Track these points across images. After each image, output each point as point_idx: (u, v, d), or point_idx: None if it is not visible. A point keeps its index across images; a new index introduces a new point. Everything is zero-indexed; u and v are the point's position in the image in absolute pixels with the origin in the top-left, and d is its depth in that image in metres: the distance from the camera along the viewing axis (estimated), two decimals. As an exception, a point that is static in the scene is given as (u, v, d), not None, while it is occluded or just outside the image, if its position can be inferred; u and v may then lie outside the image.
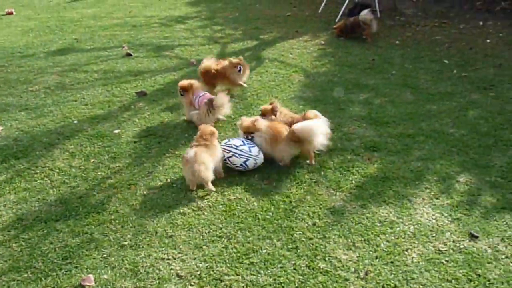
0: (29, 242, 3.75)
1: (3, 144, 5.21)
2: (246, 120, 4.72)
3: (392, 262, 3.40)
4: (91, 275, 3.36)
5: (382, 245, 3.56)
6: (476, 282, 3.21)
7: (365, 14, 8.19)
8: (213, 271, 3.38)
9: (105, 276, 3.37)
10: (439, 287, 3.18)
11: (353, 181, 4.35)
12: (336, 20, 9.58)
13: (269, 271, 3.35)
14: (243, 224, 3.84)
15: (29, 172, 4.70)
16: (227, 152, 4.49)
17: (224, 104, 5.25)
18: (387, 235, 3.66)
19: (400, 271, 3.31)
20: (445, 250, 3.49)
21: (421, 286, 3.19)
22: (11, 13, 11.82)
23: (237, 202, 4.12)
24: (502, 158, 4.62)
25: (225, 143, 4.58)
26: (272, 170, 4.56)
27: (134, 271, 3.40)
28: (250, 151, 4.46)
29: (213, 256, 3.51)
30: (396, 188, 4.22)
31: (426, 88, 6.35)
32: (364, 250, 3.52)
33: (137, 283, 3.30)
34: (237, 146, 4.48)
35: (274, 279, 3.28)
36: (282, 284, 3.24)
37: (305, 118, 4.67)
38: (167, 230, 3.81)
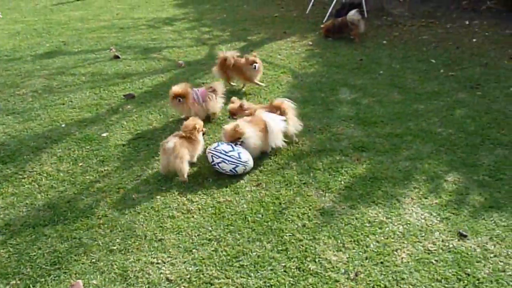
0: (17, 247, 3.71)
1: (-11, 149, 5.16)
2: (228, 129, 4.61)
3: (382, 262, 3.41)
4: (80, 281, 3.34)
5: (371, 245, 3.57)
6: (466, 281, 3.23)
7: (352, 14, 8.27)
8: (203, 274, 3.36)
9: (94, 281, 3.35)
10: (429, 287, 3.20)
11: (342, 182, 4.36)
12: (324, 21, 9.62)
13: (259, 274, 3.35)
14: (233, 226, 3.84)
15: (17, 176, 4.65)
16: (217, 158, 4.46)
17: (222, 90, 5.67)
18: (376, 236, 3.67)
19: (390, 272, 3.32)
20: (435, 250, 3.51)
21: (411, 286, 3.20)
22: (-3, 16, 11.73)
23: (227, 204, 4.11)
24: (490, 157, 4.66)
25: (214, 148, 4.53)
26: (261, 172, 4.56)
27: (123, 276, 3.38)
28: (239, 158, 4.44)
29: (203, 259, 3.50)
30: (385, 188, 4.24)
31: (413, 87, 6.39)
32: (354, 251, 3.53)
33: (127, 288, 3.29)
34: (226, 152, 4.44)
35: (264, 282, 3.28)
36: (273, 287, 3.23)
37: (272, 107, 4.92)
38: (156, 233, 3.79)
